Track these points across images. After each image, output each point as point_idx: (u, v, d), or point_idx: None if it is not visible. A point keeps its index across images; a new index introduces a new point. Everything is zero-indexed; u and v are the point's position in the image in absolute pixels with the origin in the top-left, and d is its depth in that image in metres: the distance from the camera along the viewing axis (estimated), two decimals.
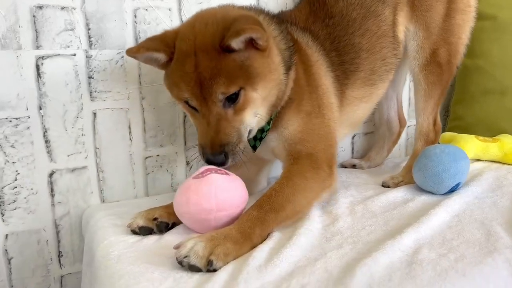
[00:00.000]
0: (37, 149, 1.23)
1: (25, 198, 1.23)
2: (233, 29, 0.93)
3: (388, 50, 1.31)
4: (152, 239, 0.99)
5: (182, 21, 1.34)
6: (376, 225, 1.00)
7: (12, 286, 1.25)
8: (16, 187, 1.22)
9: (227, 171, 1.04)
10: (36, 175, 1.24)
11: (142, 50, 1.02)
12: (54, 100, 1.22)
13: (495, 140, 1.50)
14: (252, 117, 1.04)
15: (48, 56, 1.20)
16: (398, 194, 1.20)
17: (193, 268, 0.82)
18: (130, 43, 1.29)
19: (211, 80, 0.96)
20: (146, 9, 1.29)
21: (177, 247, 0.85)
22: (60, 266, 1.30)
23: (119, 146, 1.32)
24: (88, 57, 1.24)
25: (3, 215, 1.22)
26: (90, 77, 1.26)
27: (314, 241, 0.93)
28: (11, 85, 1.17)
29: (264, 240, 0.93)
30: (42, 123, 1.22)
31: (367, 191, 1.25)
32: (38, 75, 1.20)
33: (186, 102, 1.03)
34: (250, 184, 1.18)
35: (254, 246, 0.90)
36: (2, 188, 1.20)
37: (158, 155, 1.38)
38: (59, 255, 1.30)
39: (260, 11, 1.15)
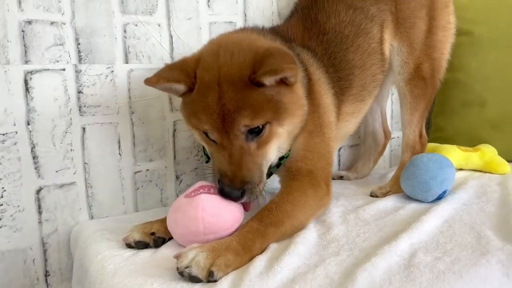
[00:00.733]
0: (24, 165, 1.20)
1: (11, 216, 1.20)
2: (270, 67, 0.90)
3: (377, 66, 1.35)
4: (148, 252, 0.98)
5: (171, 36, 1.35)
6: (370, 232, 1.02)
7: None
8: (2, 205, 1.19)
9: None
10: (23, 192, 1.21)
11: (162, 81, 0.97)
12: (42, 115, 1.21)
13: (476, 149, 1.56)
14: (275, 152, 1.02)
15: (37, 71, 1.19)
16: (388, 203, 1.23)
17: (194, 279, 0.81)
18: (120, 58, 1.29)
19: (235, 113, 0.93)
20: (136, 24, 1.30)
21: (177, 256, 0.84)
22: (47, 285, 1.27)
23: (108, 161, 1.31)
24: (77, 71, 1.24)
25: None
26: (79, 92, 1.25)
27: (311, 249, 0.93)
28: None
29: (263, 252, 0.93)
30: (30, 139, 1.20)
31: (357, 201, 1.27)
32: (27, 90, 1.19)
33: (205, 133, 1.00)
34: None
35: (252, 258, 0.90)
36: None
37: (147, 170, 1.37)
38: (46, 274, 1.26)
39: (275, 33, 1.15)
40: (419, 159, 1.24)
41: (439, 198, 1.21)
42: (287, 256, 0.87)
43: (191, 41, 1.38)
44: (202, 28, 1.39)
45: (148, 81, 0.98)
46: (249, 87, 0.93)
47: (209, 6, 1.40)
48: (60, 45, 1.21)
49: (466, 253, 0.88)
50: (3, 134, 1.17)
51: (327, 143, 1.17)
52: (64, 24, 1.21)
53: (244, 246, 0.89)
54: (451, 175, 1.22)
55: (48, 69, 1.21)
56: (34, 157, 1.21)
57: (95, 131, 1.28)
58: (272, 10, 1.51)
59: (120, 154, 1.32)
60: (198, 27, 1.39)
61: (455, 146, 1.56)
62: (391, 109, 1.83)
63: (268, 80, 0.93)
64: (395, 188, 1.33)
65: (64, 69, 1.22)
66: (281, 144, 1.02)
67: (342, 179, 1.62)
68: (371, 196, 1.35)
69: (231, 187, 0.96)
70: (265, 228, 0.95)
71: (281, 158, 1.08)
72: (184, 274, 0.82)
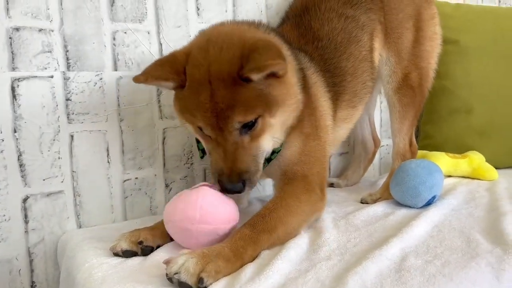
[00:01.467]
0: (10, 173, 1.18)
1: None
2: (255, 64, 0.90)
3: (367, 74, 1.36)
4: (137, 259, 0.96)
5: (160, 44, 1.36)
6: (360, 237, 1.02)
7: None
8: None
9: None
10: (9, 201, 1.19)
11: (150, 79, 0.98)
12: (29, 122, 1.20)
13: (464, 156, 1.58)
14: (270, 142, 1.03)
15: (25, 78, 1.18)
16: (378, 209, 1.23)
17: (183, 285, 0.80)
18: (109, 66, 1.28)
19: (228, 110, 0.93)
20: (125, 32, 1.30)
21: (167, 262, 0.83)
22: None
23: (96, 169, 1.30)
24: (65, 79, 1.23)
25: None
26: (67, 99, 1.24)
27: (302, 254, 0.93)
28: None
29: (254, 259, 0.92)
30: (17, 146, 1.19)
31: (348, 207, 1.28)
32: (14, 97, 1.17)
33: (199, 128, 1.01)
34: None
35: (243, 265, 0.89)
36: None
37: (136, 178, 1.36)
38: (32, 285, 1.24)
39: (269, 27, 1.15)
40: (408, 165, 1.25)
41: (429, 203, 1.22)
42: (278, 261, 0.87)
43: None
44: (192, 36, 1.39)
45: (137, 79, 0.98)
46: (239, 83, 0.93)
47: (198, 14, 1.41)
48: (48, 52, 1.21)
49: (456, 256, 0.89)
50: None
51: (323, 147, 1.17)
52: (52, 31, 1.20)
53: (236, 253, 0.89)
54: (440, 181, 1.23)
55: (36, 76, 1.20)
56: (21, 165, 1.19)
57: (83, 138, 1.27)
58: (262, 19, 1.52)
59: (108, 162, 1.31)
60: (187, 35, 1.39)
61: (443, 153, 1.58)
62: (380, 117, 1.85)
63: (256, 77, 0.93)
64: (386, 195, 1.34)
65: (52, 76, 1.21)
66: (274, 134, 1.03)
67: (332, 186, 1.63)
68: (362, 202, 1.35)
69: (231, 182, 0.97)
70: (258, 235, 0.94)
71: (272, 153, 1.08)
72: (173, 280, 0.80)
